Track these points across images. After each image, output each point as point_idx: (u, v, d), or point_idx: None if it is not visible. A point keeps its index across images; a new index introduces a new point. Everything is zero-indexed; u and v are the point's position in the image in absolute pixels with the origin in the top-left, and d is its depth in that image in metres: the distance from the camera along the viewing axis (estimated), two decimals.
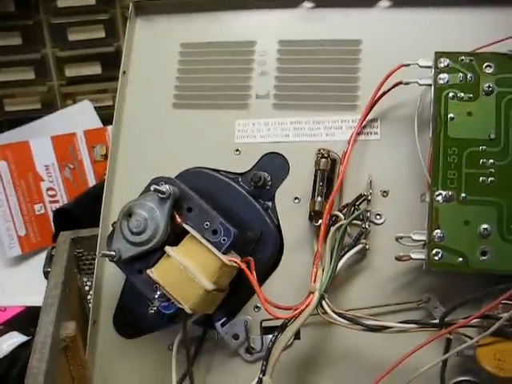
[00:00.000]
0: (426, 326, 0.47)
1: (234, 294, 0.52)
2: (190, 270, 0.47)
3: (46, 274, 0.60)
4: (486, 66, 0.50)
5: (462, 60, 0.50)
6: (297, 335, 0.52)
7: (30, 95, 1.04)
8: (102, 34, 0.99)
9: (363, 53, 0.57)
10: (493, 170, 0.48)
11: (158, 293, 0.49)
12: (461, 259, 0.47)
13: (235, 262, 0.48)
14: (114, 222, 0.52)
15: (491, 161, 0.48)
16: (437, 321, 0.48)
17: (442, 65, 0.50)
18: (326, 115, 0.56)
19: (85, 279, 0.66)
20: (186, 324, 0.52)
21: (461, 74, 0.50)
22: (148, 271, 0.49)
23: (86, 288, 0.67)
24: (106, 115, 0.98)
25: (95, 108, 1.01)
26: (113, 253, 0.50)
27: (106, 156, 0.94)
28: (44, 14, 1.00)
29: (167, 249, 0.49)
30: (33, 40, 1.00)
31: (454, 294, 0.50)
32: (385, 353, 0.50)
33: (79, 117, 1.00)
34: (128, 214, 0.50)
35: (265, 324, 0.53)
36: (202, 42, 0.61)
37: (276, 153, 0.56)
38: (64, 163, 0.94)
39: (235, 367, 0.54)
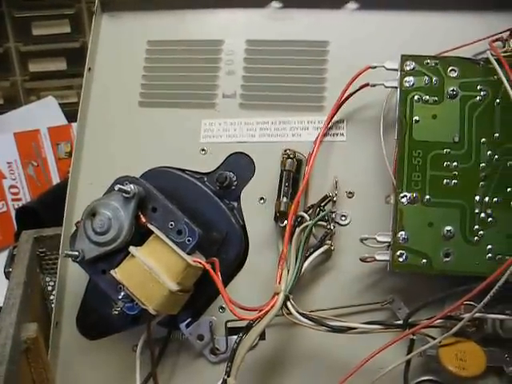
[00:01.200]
0: (390, 327, 0.48)
1: (199, 294, 0.52)
2: (155, 270, 0.47)
3: (8, 275, 0.59)
4: (451, 70, 0.50)
5: (428, 63, 0.50)
6: (261, 336, 0.52)
7: None
8: (68, 29, 0.97)
9: (330, 54, 0.57)
10: (456, 173, 0.49)
11: (122, 293, 0.48)
12: (424, 261, 0.48)
13: (200, 263, 0.48)
14: (78, 222, 0.51)
15: (455, 163, 0.49)
16: (401, 322, 0.48)
17: (407, 68, 0.50)
18: (292, 116, 0.56)
19: (47, 279, 0.65)
20: (150, 325, 0.51)
21: (426, 78, 0.50)
22: (112, 272, 0.48)
23: (49, 288, 0.65)
24: (71, 112, 0.96)
25: (60, 104, 0.99)
26: (76, 253, 0.49)
27: (70, 153, 0.92)
28: (7, 7, 0.97)
29: (131, 249, 0.48)
30: None
31: (417, 294, 0.50)
32: (349, 353, 0.50)
33: (43, 113, 0.98)
34: (92, 213, 0.49)
35: (230, 325, 0.53)
36: (169, 40, 0.60)
37: (242, 153, 0.56)
38: (27, 160, 0.92)
39: (200, 368, 0.54)
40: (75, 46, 0.98)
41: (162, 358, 0.54)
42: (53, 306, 0.58)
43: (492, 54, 0.50)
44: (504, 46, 0.53)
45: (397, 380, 0.49)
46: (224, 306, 0.53)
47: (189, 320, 0.53)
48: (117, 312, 0.49)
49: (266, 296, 0.49)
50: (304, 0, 0.59)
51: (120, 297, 0.48)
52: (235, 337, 0.49)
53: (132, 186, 0.49)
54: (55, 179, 0.93)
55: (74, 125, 0.92)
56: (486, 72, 0.50)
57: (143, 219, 0.49)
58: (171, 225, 0.49)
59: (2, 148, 0.91)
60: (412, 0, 0.57)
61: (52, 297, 0.65)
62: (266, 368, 0.53)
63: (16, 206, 0.92)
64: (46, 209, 0.79)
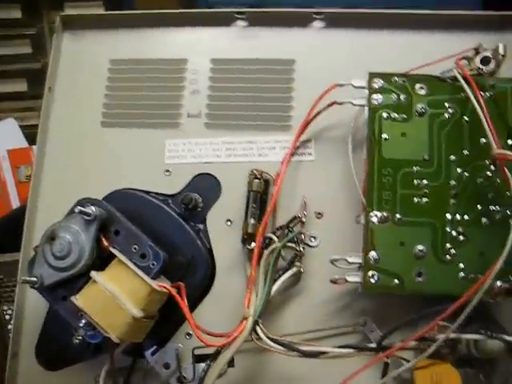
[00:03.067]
0: (363, 351, 0.46)
1: (165, 320, 0.50)
2: (117, 296, 0.45)
3: None
4: (419, 88, 0.50)
5: (396, 81, 0.50)
6: (230, 363, 0.50)
7: None
8: (29, 50, 0.95)
9: (297, 73, 0.57)
10: (427, 191, 0.48)
11: (83, 321, 0.46)
12: (397, 281, 0.47)
13: (165, 288, 0.46)
14: (37, 246, 0.49)
15: (425, 182, 0.48)
16: (374, 345, 0.47)
17: (375, 85, 0.50)
18: (259, 135, 0.55)
19: (5, 307, 0.62)
20: (113, 354, 0.49)
21: (394, 95, 0.50)
22: (72, 298, 0.46)
23: (7, 317, 0.62)
24: (32, 134, 0.92)
25: (20, 127, 0.97)
26: (34, 279, 0.47)
27: (31, 177, 0.89)
28: None
29: (93, 274, 0.46)
30: None
31: (390, 316, 0.49)
32: (322, 379, 0.49)
33: (3, 135, 0.94)
34: (51, 237, 0.47)
35: (197, 352, 0.51)
36: (131, 59, 0.59)
37: (207, 174, 0.55)
38: None
39: None
40: (36, 67, 0.95)
41: None
42: (10, 335, 0.55)
43: (459, 73, 0.50)
44: (469, 64, 0.53)
45: None
46: (191, 332, 0.51)
47: (154, 348, 0.51)
48: (78, 340, 0.47)
49: (235, 321, 0.47)
50: (270, 19, 0.58)
51: (81, 325, 0.46)
52: (203, 364, 0.48)
53: (93, 208, 0.47)
54: (15, 204, 0.90)
55: (36, 147, 0.89)
56: (453, 90, 0.50)
57: (105, 243, 0.47)
58: (135, 248, 0.47)
59: None
60: (378, 19, 0.57)
61: (10, 326, 0.62)
62: None
63: None
64: (4, 234, 0.76)
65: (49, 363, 0.53)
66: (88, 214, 0.46)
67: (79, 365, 0.52)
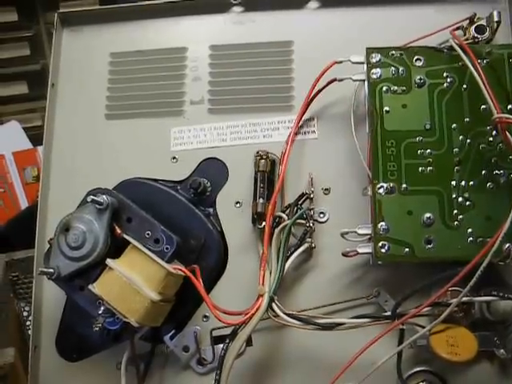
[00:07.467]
0: (378, 319, 0.47)
1: (181, 304, 0.51)
2: (134, 281, 0.46)
3: None
4: (416, 60, 0.51)
5: (393, 55, 0.51)
6: (249, 342, 0.51)
7: None
8: (27, 52, 0.95)
9: (295, 53, 0.57)
10: (431, 160, 0.49)
11: (102, 308, 0.47)
12: (407, 249, 0.47)
13: (180, 270, 0.47)
14: (51, 239, 0.49)
15: (428, 151, 0.49)
16: (388, 313, 0.47)
17: (373, 60, 0.51)
18: (262, 117, 0.56)
19: (22, 304, 0.63)
20: (133, 340, 0.50)
21: (392, 68, 0.50)
22: (90, 286, 0.47)
23: (25, 314, 0.63)
24: (36, 135, 0.94)
25: (23, 128, 0.97)
26: (51, 270, 0.48)
27: (37, 177, 0.90)
28: None
29: (108, 261, 0.47)
30: None
31: (403, 285, 0.50)
32: (340, 351, 0.49)
33: (7, 138, 0.95)
34: (65, 228, 0.48)
35: (215, 333, 0.51)
36: (132, 51, 0.60)
37: (214, 158, 0.56)
38: None
39: (188, 380, 0.53)
40: (36, 69, 0.96)
41: (148, 373, 0.52)
42: (29, 332, 0.56)
43: (455, 42, 0.50)
44: (465, 34, 0.54)
45: (390, 373, 0.49)
46: (208, 314, 0.52)
47: (173, 332, 0.52)
48: (98, 328, 0.47)
49: (251, 300, 0.48)
50: (265, 3, 0.59)
51: (100, 312, 0.47)
52: (222, 345, 0.48)
53: (105, 197, 0.48)
54: (23, 204, 0.91)
55: (40, 148, 0.90)
56: (450, 59, 0.50)
57: (118, 230, 0.48)
58: (148, 234, 0.48)
59: None
60: None
61: (28, 323, 0.63)
62: (257, 374, 0.52)
63: None
64: (16, 232, 0.77)
65: (70, 355, 0.54)
66: (100, 203, 0.47)
67: (100, 354, 0.53)
